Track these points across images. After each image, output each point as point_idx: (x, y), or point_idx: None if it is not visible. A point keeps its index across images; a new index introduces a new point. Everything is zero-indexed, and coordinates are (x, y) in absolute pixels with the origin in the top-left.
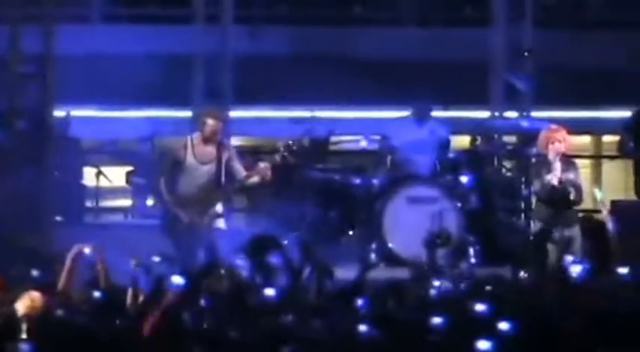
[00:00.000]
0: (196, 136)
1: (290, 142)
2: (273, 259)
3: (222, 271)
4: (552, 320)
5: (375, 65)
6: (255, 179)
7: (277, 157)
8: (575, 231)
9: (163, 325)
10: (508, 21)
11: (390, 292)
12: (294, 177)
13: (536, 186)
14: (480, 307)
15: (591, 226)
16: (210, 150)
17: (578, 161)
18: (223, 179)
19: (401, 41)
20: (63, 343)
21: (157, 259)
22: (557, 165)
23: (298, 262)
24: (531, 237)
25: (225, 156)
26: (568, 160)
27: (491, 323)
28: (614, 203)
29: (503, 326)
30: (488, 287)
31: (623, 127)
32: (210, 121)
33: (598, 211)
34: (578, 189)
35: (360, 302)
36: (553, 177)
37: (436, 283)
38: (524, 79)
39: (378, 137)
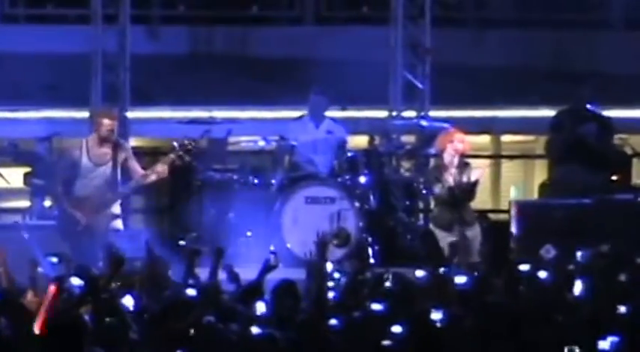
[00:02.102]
0: (92, 138)
1: (186, 142)
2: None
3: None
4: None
5: (274, 64)
6: (152, 178)
7: (174, 157)
8: (476, 230)
9: (52, 321)
10: (407, 20)
11: (289, 292)
12: (193, 178)
13: (434, 186)
14: (377, 306)
15: (489, 226)
16: (106, 151)
17: (477, 161)
18: (119, 180)
19: (299, 40)
20: None
21: (54, 260)
22: (455, 165)
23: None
24: (428, 237)
25: (121, 157)
26: (465, 160)
27: (390, 323)
28: (514, 202)
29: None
30: (386, 287)
31: (551, 128)
32: (106, 121)
33: (496, 211)
34: (475, 189)
35: (260, 302)
36: (450, 177)
37: (334, 283)
38: (423, 79)
39: (276, 137)
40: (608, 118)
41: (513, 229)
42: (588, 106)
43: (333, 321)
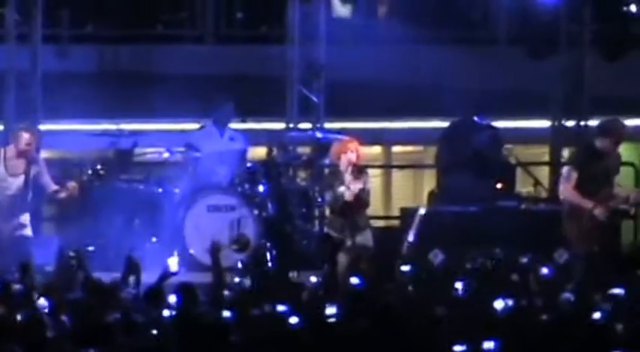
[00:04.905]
0: (10, 149)
1: (98, 167)
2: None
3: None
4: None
5: (178, 80)
6: (63, 195)
7: (84, 173)
8: (368, 236)
9: None
10: (303, 38)
11: (189, 295)
12: (101, 188)
13: (328, 194)
14: (280, 308)
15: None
16: (21, 163)
17: (369, 170)
18: (31, 191)
19: (202, 58)
20: None
21: None
22: (349, 174)
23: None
24: (323, 244)
25: (34, 170)
26: (359, 169)
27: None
28: (404, 210)
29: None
30: (283, 290)
31: (443, 138)
32: (25, 135)
33: (387, 217)
34: (368, 197)
35: (163, 305)
36: (344, 186)
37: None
38: (318, 93)
39: (180, 149)
40: (497, 129)
41: (405, 234)
42: (476, 118)
43: (228, 314)
